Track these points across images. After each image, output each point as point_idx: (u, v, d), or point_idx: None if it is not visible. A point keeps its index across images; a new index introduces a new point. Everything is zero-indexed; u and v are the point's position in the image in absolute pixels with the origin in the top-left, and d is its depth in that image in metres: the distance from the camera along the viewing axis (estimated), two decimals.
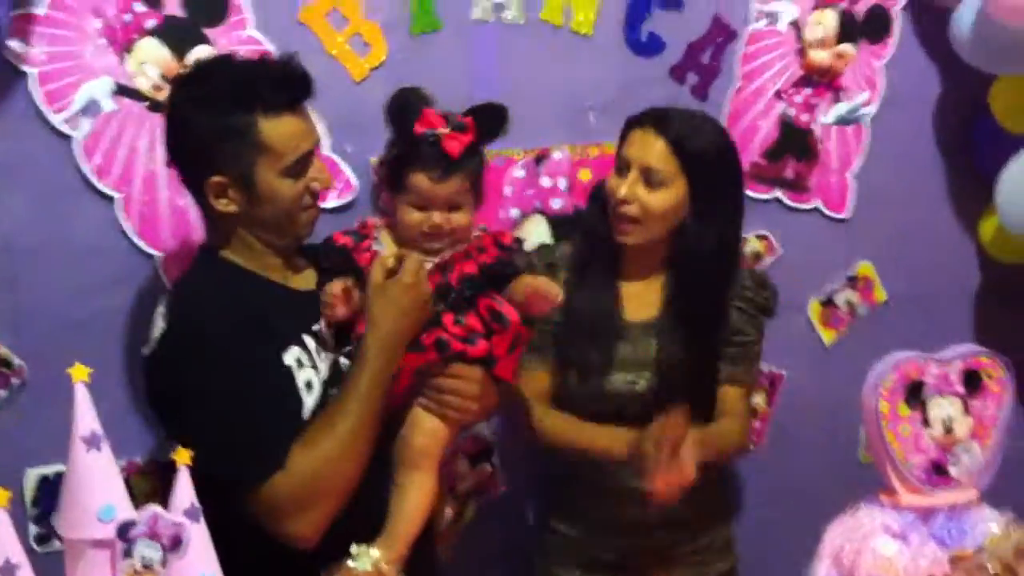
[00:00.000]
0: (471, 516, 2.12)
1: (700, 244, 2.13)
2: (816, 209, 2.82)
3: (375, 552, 1.82)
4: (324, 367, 1.88)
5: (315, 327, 1.90)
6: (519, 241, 2.03)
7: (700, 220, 2.13)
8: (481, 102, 1.96)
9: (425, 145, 1.89)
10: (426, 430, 1.91)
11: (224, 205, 1.84)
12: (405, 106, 1.92)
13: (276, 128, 1.80)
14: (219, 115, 1.79)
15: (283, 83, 1.83)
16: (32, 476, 2.26)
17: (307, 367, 1.85)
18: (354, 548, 1.81)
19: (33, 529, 2.26)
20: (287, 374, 1.82)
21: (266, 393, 1.77)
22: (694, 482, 1.95)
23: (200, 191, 1.86)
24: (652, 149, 2.10)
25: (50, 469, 2.25)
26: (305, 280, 1.98)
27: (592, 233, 2.21)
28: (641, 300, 2.20)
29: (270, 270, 1.92)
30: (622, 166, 2.13)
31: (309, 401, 1.83)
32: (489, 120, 1.93)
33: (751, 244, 2.75)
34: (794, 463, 2.85)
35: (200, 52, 2.21)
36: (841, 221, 2.84)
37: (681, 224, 2.14)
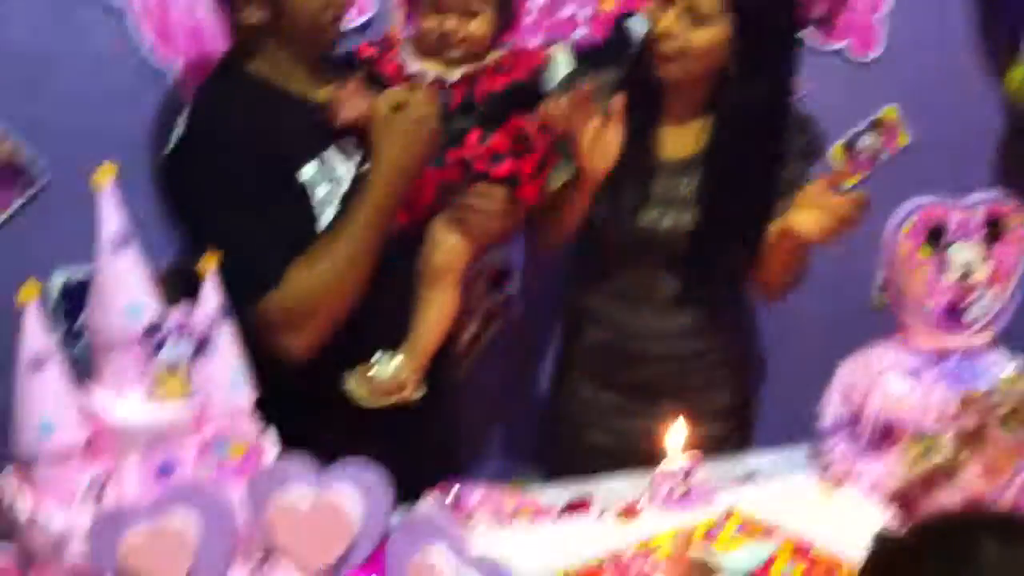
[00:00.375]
0: (491, 335, 2.14)
1: (747, 95, 2.06)
2: (843, 50, 2.77)
3: (397, 359, 1.87)
4: (345, 180, 1.89)
5: (339, 141, 1.90)
6: (549, 60, 2.02)
7: (747, 67, 2.04)
8: None
9: None
10: (446, 247, 1.95)
11: (250, 14, 1.83)
12: None
13: None
14: None
15: None
16: (57, 280, 2.31)
17: (324, 182, 1.86)
18: (377, 354, 1.87)
19: (58, 329, 2.30)
20: (301, 190, 1.84)
21: (275, 210, 1.79)
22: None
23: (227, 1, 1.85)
24: None
25: (75, 270, 2.29)
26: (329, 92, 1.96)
27: (634, 65, 2.13)
28: (679, 136, 2.15)
29: (294, 83, 1.91)
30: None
31: (328, 213, 1.85)
32: None
33: None
34: (807, 305, 2.86)
35: None
36: (868, 63, 2.80)
37: (725, 69, 2.05)
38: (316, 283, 1.78)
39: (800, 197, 1.99)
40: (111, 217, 1.35)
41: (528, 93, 1.96)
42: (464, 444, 2.36)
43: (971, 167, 2.91)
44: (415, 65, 1.93)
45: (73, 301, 2.28)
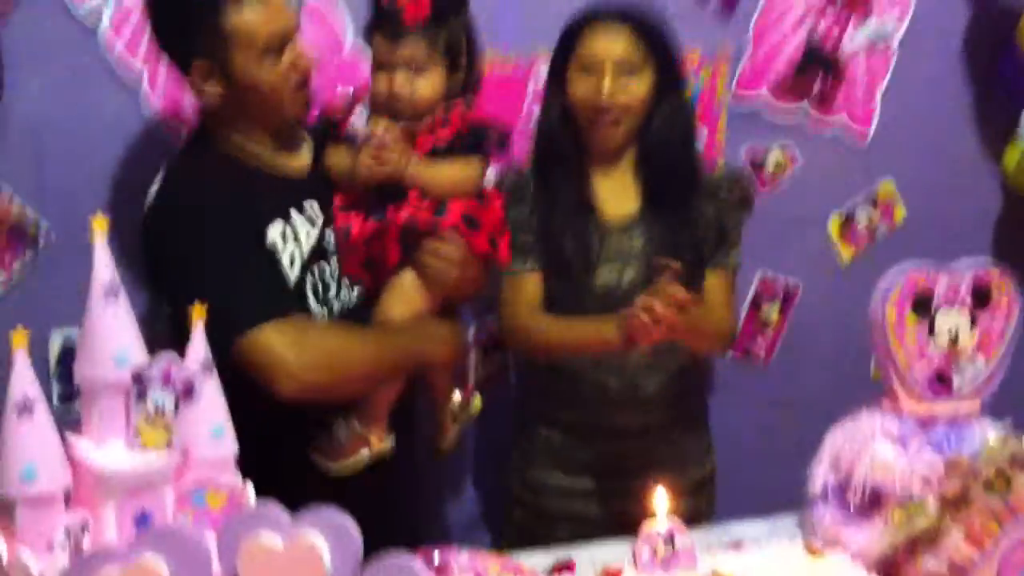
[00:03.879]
0: (478, 408, 2.14)
1: (668, 129, 2.16)
2: (841, 126, 2.81)
3: (355, 424, 1.94)
4: (310, 241, 1.95)
5: (304, 203, 1.97)
6: (488, 125, 2.06)
7: (664, 104, 2.15)
8: None
9: (385, 10, 1.95)
10: (402, 296, 1.99)
11: (210, 87, 1.89)
12: None
13: (242, 13, 1.83)
14: (186, 12, 1.86)
15: None
16: (56, 338, 2.34)
17: (291, 242, 1.92)
18: (336, 425, 1.94)
19: (56, 388, 2.34)
20: (271, 250, 1.89)
21: (248, 263, 1.85)
22: (688, 304, 1.97)
23: (187, 76, 1.91)
24: (620, 39, 2.11)
25: (74, 331, 2.28)
26: (301, 159, 2.04)
27: (554, 140, 2.20)
28: (616, 196, 2.21)
29: (261, 154, 1.96)
30: (587, 66, 2.12)
31: (292, 276, 1.91)
32: None
33: (774, 155, 2.76)
34: (803, 377, 2.88)
35: None
36: (865, 139, 2.83)
37: (649, 111, 2.15)
38: (337, 342, 1.89)
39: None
40: (102, 267, 1.38)
41: (470, 148, 2.01)
42: (434, 519, 2.37)
43: (966, 242, 2.92)
44: (359, 122, 1.99)
45: (72, 361, 2.29)
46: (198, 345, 1.41)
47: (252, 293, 1.81)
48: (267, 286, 1.86)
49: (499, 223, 2.08)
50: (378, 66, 1.97)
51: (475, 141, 2.02)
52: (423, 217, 1.96)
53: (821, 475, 1.90)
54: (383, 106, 1.98)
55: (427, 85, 1.97)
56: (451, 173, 2.00)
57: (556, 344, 2.18)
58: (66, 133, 2.30)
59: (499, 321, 2.27)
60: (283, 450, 1.89)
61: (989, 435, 1.72)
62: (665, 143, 2.17)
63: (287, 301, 1.88)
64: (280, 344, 1.80)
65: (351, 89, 2.08)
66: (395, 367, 1.96)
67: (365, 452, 1.94)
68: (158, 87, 2.30)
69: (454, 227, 1.99)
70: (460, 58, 2.01)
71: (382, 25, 1.95)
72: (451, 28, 1.97)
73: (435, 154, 1.98)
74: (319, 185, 2.02)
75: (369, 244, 1.97)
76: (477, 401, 2.14)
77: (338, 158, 2.01)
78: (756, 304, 2.84)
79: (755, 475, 2.52)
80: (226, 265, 1.81)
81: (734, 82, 2.70)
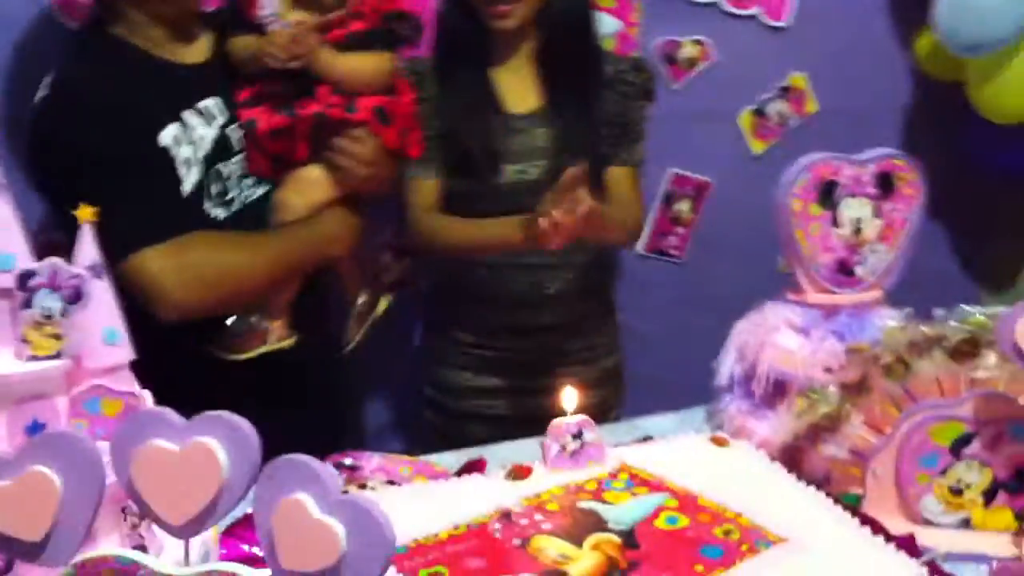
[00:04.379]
0: (383, 310, 2.12)
1: (565, 10, 2.12)
2: (755, 16, 2.79)
3: (253, 318, 1.91)
4: (207, 141, 1.89)
5: (202, 103, 1.90)
6: (402, 15, 2.01)
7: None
8: None
9: None
10: (303, 188, 1.96)
11: None
12: None
13: None
14: None
15: None
16: None
17: (185, 145, 1.86)
18: (230, 320, 1.90)
19: None
20: (163, 153, 1.83)
21: (138, 173, 1.79)
22: (592, 213, 1.94)
23: None
24: None
25: None
26: (199, 50, 1.96)
27: (454, 31, 2.17)
28: (518, 91, 2.18)
29: (156, 44, 1.90)
30: None
31: (188, 180, 1.85)
32: None
33: (686, 48, 2.74)
34: (715, 270, 2.91)
35: None
36: (780, 30, 2.82)
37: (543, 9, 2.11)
38: (221, 258, 1.83)
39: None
40: None
41: (383, 39, 1.97)
42: (348, 419, 2.36)
43: (877, 133, 2.95)
44: (269, 8, 1.91)
45: None
46: (86, 248, 1.37)
47: (133, 214, 1.73)
48: (152, 202, 1.79)
49: (410, 117, 2.04)
50: None
51: (388, 33, 1.97)
52: (333, 113, 1.91)
53: (727, 367, 1.93)
54: None
55: None
56: (363, 65, 1.95)
57: (461, 244, 2.16)
58: None
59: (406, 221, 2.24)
60: (181, 346, 1.84)
61: (889, 323, 1.73)
62: (564, 32, 2.13)
63: (174, 216, 1.82)
64: (159, 270, 1.76)
65: None
66: (289, 269, 1.93)
67: (262, 348, 1.91)
68: None
69: (365, 122, 1.94)
70: None
71: None
72: None
73: (348, 46, 1.92)
74: (220, 79, 1.95)
75: (276, 140, 1.92)
76: (384, 302, 2.11)
77: (244, 45, 1.94)
78: (668, 200, 2.84)
79: (667, 371, 2.54)
80: (110, 179, 1.74)
81: None
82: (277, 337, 1.93)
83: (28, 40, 2.25)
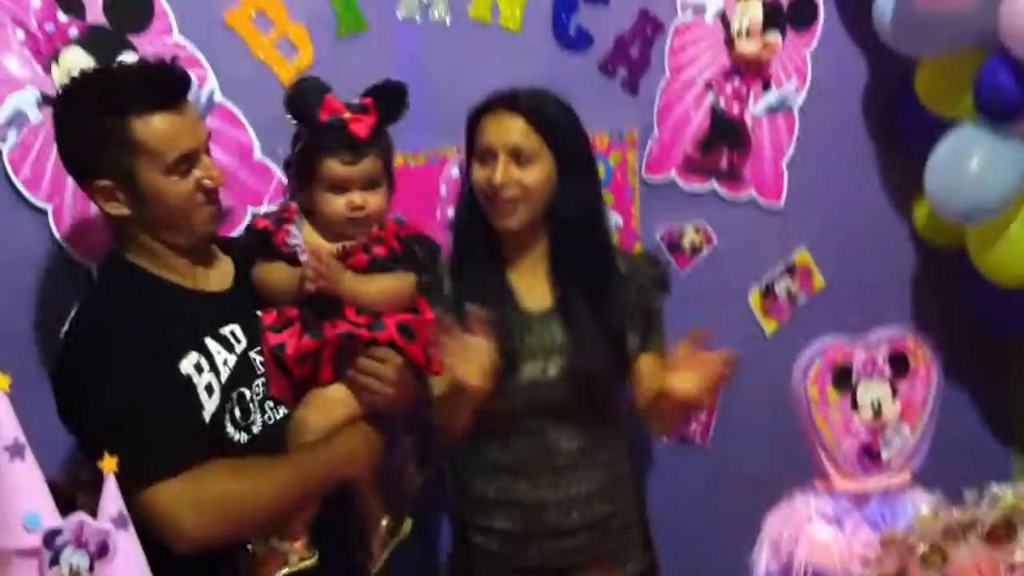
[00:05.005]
0: (408, 533, 2.09)
1: (574, 212, 2.15)
2: (751, 199, 2.85)
3: (272, 539, 1.87)
4: (228, 369, 1.90)
5: (223, 329, 1.92)
6: (420, 239, 2.06)
7: (568, 189, 2.15)
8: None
9: (332, 131, 1.93)
10: (322, 407, 1.95)
11: (115, 208, 1.85)
12: (306, 96, 1.95)
13: (149, 127, 1.80)
14: (92, 120, 1.81)
15: (152, 82, 1.83)
16: None
17: (207, 372, 1.86)
18: (250, 546, 1.87)
19: None
20: (185, 382, 1.83)
21: (159, 403, 1.78)
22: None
23: (92, 196, 1.88)
24: (513, 128, 2.11)
25: None
26: (218, 278, 1.99)
27: (468, 234, 2.21)
28: (533, 289, 2.20)
29: (174, 272, 1.92)
30: (483, 154, 2.13)
31: (210, 406, 1.85)
32: (389, 99, 1.98)
33: (688, 235, 2.79)
34: (738, 452, 2.88)
35: (125, 59, 2.20)
36: (777, 210, 2.87)
37: (553, 198, 2.15)
38: (237, 489, 1.81)
39: (672, 360, 2.04)
40: (5, 426, 1.35)
41: (403, 262, 2.00)
42: None
43: (887, 304, 2.97)
44: (296, 238, 1.95)
45: None
46: (110, 500, 1.38)
47: (148, 445, 1.72)
48: (169, 431, 1.78)
49: (431, 334, 2.03)
50: (330, 187, 1.95)
51: (408, 256, 2.01)
52: (361, 333, 1.93)
53: (763, 562, 1.90)
54: (340, 227, 1.97)
55: (379, 199, 1.98)
56: (386, 286, 1.98)
57: (442, 419, 2.15)
58: None
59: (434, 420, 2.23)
60: (200, 572, 1.82)
61: (921, 508, 1.72)
62: (574, 231, 2.17)
63: (193, 443, 1.81)
64: (174, 505, 1.73)
65: (276, 205, 2.09)
66: (306, 493, 1.90)
67: (284, 570, 1.87)
68: (66, 212, 2.24)
69: (390, 341, 1.96)
70: (392, 162, 2.03)
71: (332, 145, 1.93)
72: (387, 137, 2.00)
73: (370, 271, 1.96)
74: (241, 305, 1.98)
75: (302, 363, 1.93)
76: (407, 525, 2.08)
77: (275, 272, 1.97)
78: None
79: (701, 561, 2.49)
80: (128, 409, 1.75)
81: (643, 164, 2.72)
82: (299, 557, 1.89)
83: (50, 281, 2.29)
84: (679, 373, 2.01)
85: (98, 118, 1.81)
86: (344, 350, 1.94)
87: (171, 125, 1.82)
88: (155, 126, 1.80)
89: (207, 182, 1.88)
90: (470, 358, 1.93)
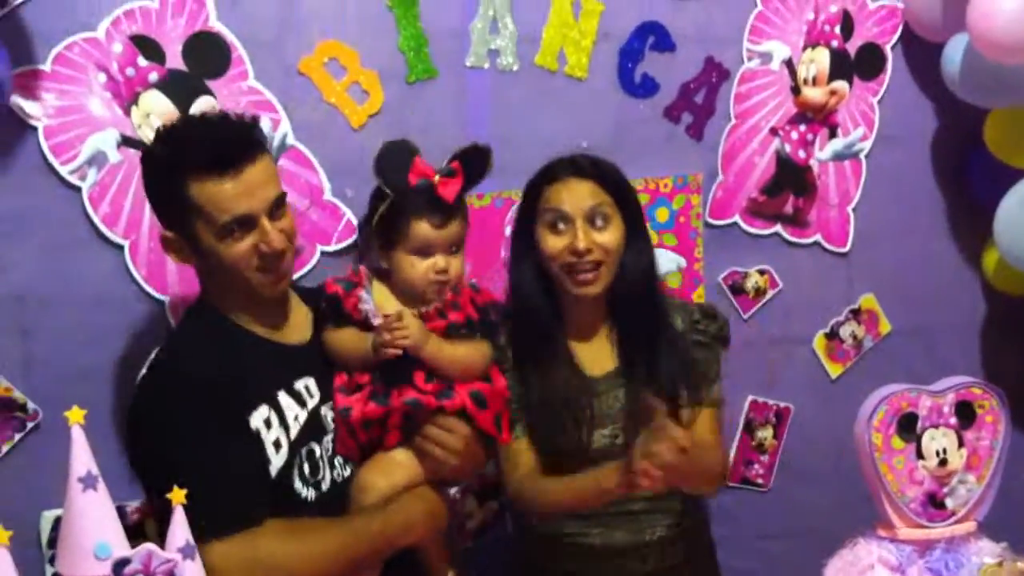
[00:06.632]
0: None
1: (637, 267, 2.14)
2: (816, 243, 2.84)
3: None
4: (298, 425, 1.90)
5: (297, 383, 1.92)
6: (494, 305, 2.07)
7: (633, 251, 2.14)
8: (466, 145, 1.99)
9: (421, 194, 1.93)
10: (385, 470, 1.94)
11: (180, 259, 1.89)
12: (396, 159, 1.94)
13: (203, 190, 1.80)
14: (158, 176, 1.85)
15: (214, 144, 1.83)
16: (48, 518, 2.29)
17: (275, 427, 1.86)
18: None
19: (50, 570, 2.29)
20: (254, 437, 1.83)
21: (223, 458, 1.78)
22: (686, 443, 1.82)
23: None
24: (585, 192, 2.10)
25: None
26: (297, 331, 2.00)
27: (530, 302, 2.17)
28: (596, 355, 2.18)
29: (253, 320, 1.93)
30: (555, 222, 2.10)
31: (277, 461, 1.85)
32: (475, 162, 1.97)
33: (752, 279, 2.78)
34: (802, 497, 2.86)
35: (203, 103, 2.27)
36: (842, 255, 2.87)
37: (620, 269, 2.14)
38: (289, 553, 1.79)
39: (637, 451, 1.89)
40: (78, 460, 1.39)
41: (480, 330, 2.01)
42: None
43: (954, 349, 2.95)
44: (368, 303, 1.95)
45: None
46: (178, 531, 1.41)
47: (207, 501, 1.62)
48: (227, 489, 1.76)
49: (503, 402, 2.05)
50: (416, 250, 1.95)
51: (485, 323, 2.02)
52: (428, 400, 1.93)
53: None
54: (423, 290, 1.97)
55: (461, 263, 1.99)
56: (467, 353, 1.98)
57: (563, 501, 2.10)
58: (51, 303, 2.29)
59: (505, 488, 2.22)
60: None
61: (985, 559, 1.69)
62: (635, 286, 2.15)
63: (251, 502, 1.79)
64: (224, 566, 1.70)
65: (351, 269, 2.05)
66: (365, 555, 1.88)
67: None
68: (142, 248, 2.31)
69: (460, 410, 1.95)
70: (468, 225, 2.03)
71: (421, 208, 1.93)
72: (465, 203, 2.00)
73: (446, 336, 1.97)
74: (317, 358, 1.98)
75: (368, 428, 1.93)
76: None
77: (346, 337, 1.97)
78: (749, 429, 2.83)
79: None
80: (188, 464, 1.74)
81: (707, 209, 2.73)
82: None
83: (125, 316, 2.35)
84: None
85: (163, 175, 1.84)
86: (412, 417, 1.94)
87: (225, 189, 1.80)
88: (208, 190, 1.79)
89: (262, 246, 1.84)
90: (652, 451, 1.82)
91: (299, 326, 2.01)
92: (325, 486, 1.91)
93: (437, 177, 1.94)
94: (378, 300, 1.97)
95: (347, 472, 1.95)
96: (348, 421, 1.92)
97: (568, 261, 2.09)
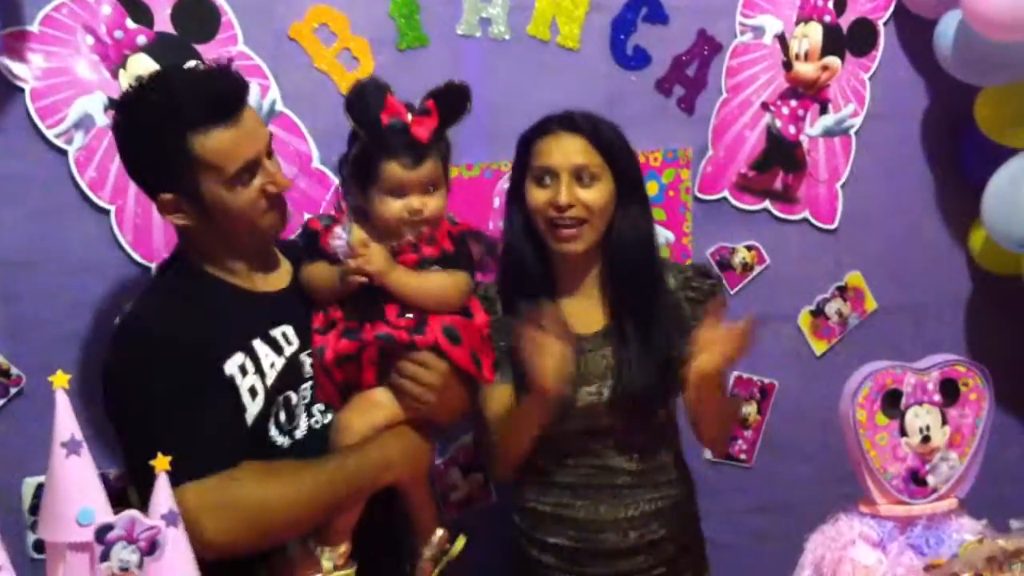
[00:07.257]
0: (460, 548, 2.02)
1: (632, 233, 2.13)
2: (805, 220, 2.84)
3: (309, 542, 1.85)
4: (274, 372, 1.88)
5: (273, 331, 1.91)
6: (473, 233, 2.03)
7: (625, 211, 2.13)
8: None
9: (394, 134, 1.89)
10: (364, 410, 1.93)
11: (180, 219, 1.86)
12: (367, 98, 1.91)
13: (208, 142, 1.78)
14: (151, 138, 1.80)
15: (208, 96, 1.81)
16: (30, 484, 2.30)
17: (251, 374, 1.85)
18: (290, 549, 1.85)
19: (31, 537, 2.29)
20: (228, 384, 1.82)
21: (195, 404, 1.77)
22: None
23: (158, 208, 1.88)
24: (575, 148, 2.09)
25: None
26: (277, 279, 1.99)
27: (519, 259, 2.17)
28: (585, 314, 2.17)
29: (232, 273, 1.92)
30: (542, 176, 2.10)
31: (253, 408, 1.84)
32: (451, 101, 1.93)
33: (740, 254, 2.78)
34: (785, 472, 2.87)
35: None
36: (830, 231, 2.87)
37: (611, 219, 2.13)
38: (264, 494, 1.77)
39: (696, 341, 1.98)
40: (62, 424, 1.38)
41: (455, 262, 1.97)
42: None
43: (939, 330, 2.95)
44: (340, 239, 1.91)
45: None
46: (161, 498, 1.41)
47: (181, 446, 1.60)
48: (201, 434, 1.75)
49: (483, 340, 2.02)
50: (389, 190, 1.91)
51: (461, 254, 1.98)
52: (399, 335, 1.89)
53: None
54: (397, 230, 1.93)
55: (437, 202, 1.94)
56: (434, 282, 1.94)
57: (509, 427, 2.10)
58: (36, 268, 2.29)
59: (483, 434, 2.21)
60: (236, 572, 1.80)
61: (966, 536, 1.70)
62: (629, 250, 2.15)
63: (225, 448, 1.78)
64: (196, 509, 1.66)
65: (335, 207, 2.04)
66: (339, 499, 1.85)
67: None
68: (128, 213, 2.31)
69: (434, 345, 1.92)
70: (449, 163, 1.99)
71: (393, 149, 1.90)
72: (446, 139, 1.96)
73: (420, 269, 1.94)
74: (296, 306, 1.96)
75: (343, 367, 1.91)
76: (460, 542, 2.03)
77: (317, 271, 1.95)
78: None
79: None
80: (161, 410, 1.74)
81: (697, 183, 2.73)
82: (333, 565, 1.86)
83: (111, 281, 2.34)
84: (704, 351, 1.96)
85: (157, 136, 1.80)
86: (387, 355, 1.91)
87: (230, 138, 1.79)
88: (214, 141, 1.78)
89: (270, 187, 1.85)
90: (547, 359, 1.89)
91: (279, 277, 1.99)
92: (299, 434, 1.90)
93: (411, 116, 1.90)
94: (357, 238, 1.93)
95: (326, 419, 1.94)
96: (323, 362, 1.90)
97: (550, 215, 2.08)
